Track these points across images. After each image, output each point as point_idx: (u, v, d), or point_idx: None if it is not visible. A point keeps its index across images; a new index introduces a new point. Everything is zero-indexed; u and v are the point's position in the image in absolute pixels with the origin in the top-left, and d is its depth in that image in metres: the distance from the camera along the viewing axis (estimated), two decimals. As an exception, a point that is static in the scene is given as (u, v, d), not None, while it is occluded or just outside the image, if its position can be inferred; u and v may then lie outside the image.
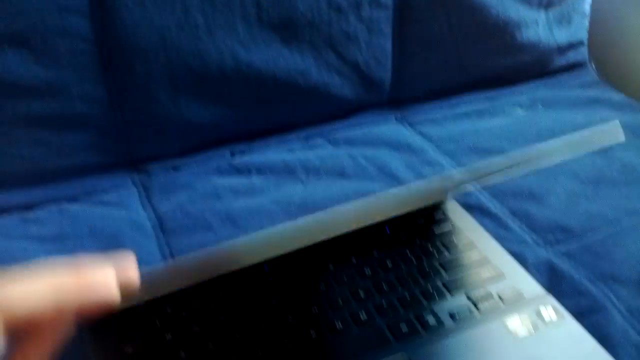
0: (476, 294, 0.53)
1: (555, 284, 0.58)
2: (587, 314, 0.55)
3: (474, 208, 0.66)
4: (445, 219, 0.62)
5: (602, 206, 0.67)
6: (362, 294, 0.53)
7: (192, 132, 0.73)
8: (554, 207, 0.67)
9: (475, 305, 0.52)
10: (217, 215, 0.65)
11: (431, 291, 0.54)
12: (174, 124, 0.71)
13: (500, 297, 0.53)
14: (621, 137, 0.49)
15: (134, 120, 0.70)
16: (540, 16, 0.88)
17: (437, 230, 0.61)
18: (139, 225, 0.64)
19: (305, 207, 0.66)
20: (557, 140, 0.49)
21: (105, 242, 0.62)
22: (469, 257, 0.58)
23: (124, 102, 0.69)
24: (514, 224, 0.65)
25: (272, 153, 0.75)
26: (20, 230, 0.62)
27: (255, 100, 0.75)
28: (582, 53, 0.94)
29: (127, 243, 0.62)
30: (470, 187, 0.69)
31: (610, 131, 0.50)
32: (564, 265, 0.59)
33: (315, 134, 0.79)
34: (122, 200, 0.68)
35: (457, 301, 0.53)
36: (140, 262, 0.60)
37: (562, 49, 0.92)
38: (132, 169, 0.72)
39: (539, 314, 0.52)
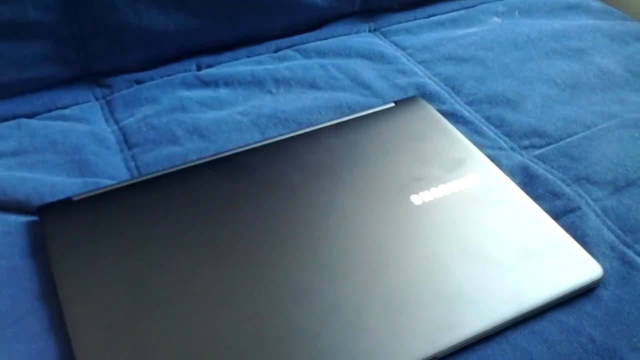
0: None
1: (530, 186, 0.57)
2: (562, 215, 0.54)
3: (448, 115, 0.64)
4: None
5: (579, 111, 0.65)
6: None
7: (154, 42, 0.69)
8: (530, 112, 0.65)
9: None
10: (184, 127, 0.63)
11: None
12: (134, 33, 0.68)
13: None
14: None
15: (91, 29, 0.66)
16: None
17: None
18: (102, 139, 0.62)
19: (276, 118, 0.64)
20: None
21: (68, 157, 0.59)
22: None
23: (80, 10, 0.65)
24: (489, 130, 0.64)
25: (241, 65, 0.72)
26: (-23, 147, 0.60)
27: (221, 9, 0.71)
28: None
29: (90, 157, 0.59)
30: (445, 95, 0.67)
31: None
32: (539, 168, 0.59)
33: (285, 46, 0.76)
34: (84, 115, 0.65)
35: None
36: (106, 176, 0.58)
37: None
38: (94, 83, 0.69)
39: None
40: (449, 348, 0.44)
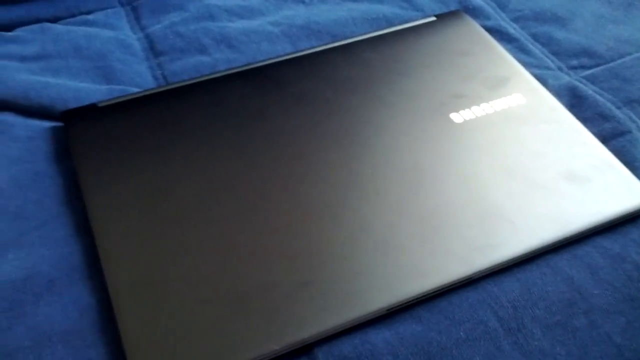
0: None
1: (578, 108, 0.54)
2: (611, 139, 0.51)
3: (492, 31, 0.61)
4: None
5: (632, 30, 0.61)
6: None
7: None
8: (580, 31, 0.61)
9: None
10: (212, 37, 0.60)
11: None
12: None
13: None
14: None
15: None
16: None
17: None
18: (127, 45, 0.59)
19: (309, 30, 0.61)
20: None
21: (92, 63, 0.57)
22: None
23: None
24: (535, 48, 0.60)
25: (272, -26, 0.68)
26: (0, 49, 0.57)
27: None
28: None
29: (115, 64, 0.57)
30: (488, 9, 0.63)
31: None
32: (587, 89, 0.55)
33: (319, -45, 0.71)
34: (109, 21, 0.62)
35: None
36: (132, 84, 0.56)
37: None
38: (119, -13, 0.66)
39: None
40: (486, 269, 0.42)
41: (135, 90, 0.54)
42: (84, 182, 0.46)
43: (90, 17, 0.62)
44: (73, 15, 0.62)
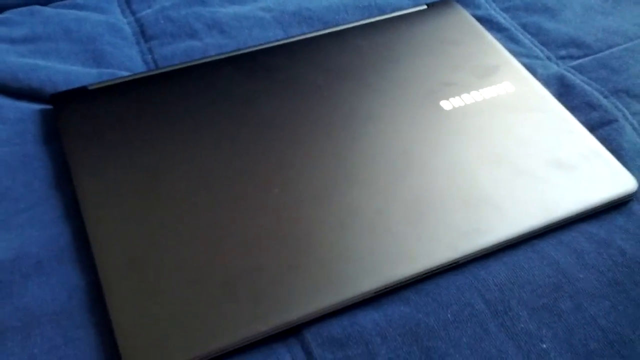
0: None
1: (566, 97, 0.54)
2: (598, 127, 0.52)
3: (482, 21, 0.61)
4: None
5: (621, 22, 0.62)
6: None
7: None
8: (569, 21, 0.62)
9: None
10: (203, 22, 0.60)
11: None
12: None
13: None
14: None
15: None
16: None
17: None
18: (118, 29, 0.59)
19: (300, 16, 0.61)
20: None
21: (82, 46, 0.57)
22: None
23: None
24: (524, 38, 0.60)
25: (264, -39, 0.68)
26: (-12, 32, 0.57)
27: None
28: None
29: (106, 47, 0.57)
30: (479, -1, 0.64)
31: None
32: (576, 79, 0.56)
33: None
34: (99, 5, 0.62)
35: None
36: (122, 68, 0.56)
37: None
38: (109, -28, 0.65)
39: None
40: (473, 253, 0.43)
41: (126, 74, 0.54)
42: (73, 165, 0.46)
43: (80, 0, 0.62)
44: (62, -2, 0.62)
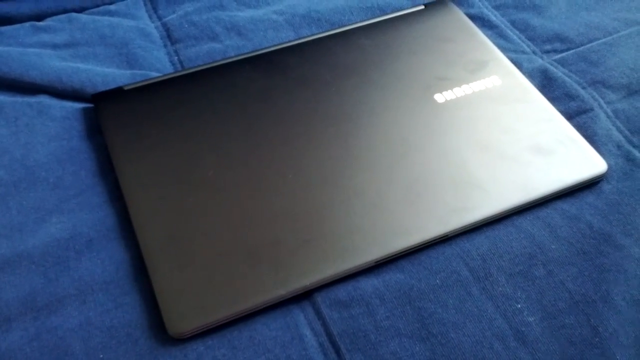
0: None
1: (548, 88, 0.60)
2: (575, 116, 0.58)
3: (475, 18, 0.67)
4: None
5: (602, 17, 0.67)
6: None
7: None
8: (555, 17, 0.68)
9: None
10: (223, 25, 0.67)
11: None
12: None
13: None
14: None
15: None
16: None
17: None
18: (147, 34, 0.66)
19: (309, 18, 0.67)
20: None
21: (117, 50, 0.64)
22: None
23: None
24: (513, 34, 0.66)
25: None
26: (33, 38, 0.64)
27: None
28: None
29: (137, 51, 0.64)
30: (473, -1, 0.70)
31: None
32: (557, 71, 0.62)
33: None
34: (129, 11, 0.69)
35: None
36: (152, 69, 0.63)
37: None
38: (136, -20, 0.72)
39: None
40: (460, 228, 0.49)
41: (156, 74, 0.61)
42: (114, 156, 0.53)
43: (112, 7, 0.69)
44: (97, 6, 0.69)
